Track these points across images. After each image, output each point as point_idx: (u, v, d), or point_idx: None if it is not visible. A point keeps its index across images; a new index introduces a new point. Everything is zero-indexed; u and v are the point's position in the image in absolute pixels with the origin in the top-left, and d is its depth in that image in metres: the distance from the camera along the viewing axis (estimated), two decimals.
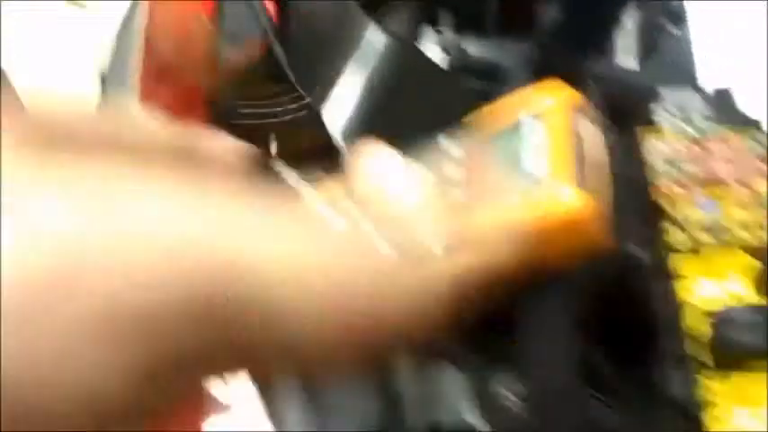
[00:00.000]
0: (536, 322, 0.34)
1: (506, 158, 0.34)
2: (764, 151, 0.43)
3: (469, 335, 0.37)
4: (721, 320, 0.36)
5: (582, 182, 0.32)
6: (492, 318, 0.37)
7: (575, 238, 0.32)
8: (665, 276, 0.40)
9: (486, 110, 0.37)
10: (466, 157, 0.35)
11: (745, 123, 0.45)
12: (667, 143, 0.43)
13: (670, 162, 0.43)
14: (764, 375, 0.36)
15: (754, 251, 0.39)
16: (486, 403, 0.36)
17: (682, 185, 0.42)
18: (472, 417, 0.36)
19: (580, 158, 0.33)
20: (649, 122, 0.45)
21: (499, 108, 0.37)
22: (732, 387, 0.36)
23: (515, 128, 0.35)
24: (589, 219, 0.32)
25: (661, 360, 0.38)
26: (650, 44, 0.56)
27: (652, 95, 0.46)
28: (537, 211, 0.32)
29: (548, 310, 0.34)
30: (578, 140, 0.34)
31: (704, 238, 0.40)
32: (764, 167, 0.42)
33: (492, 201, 0.33)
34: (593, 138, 0.35)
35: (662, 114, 0.46)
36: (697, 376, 0.36)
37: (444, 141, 0.36)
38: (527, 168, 0.33)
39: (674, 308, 0.38)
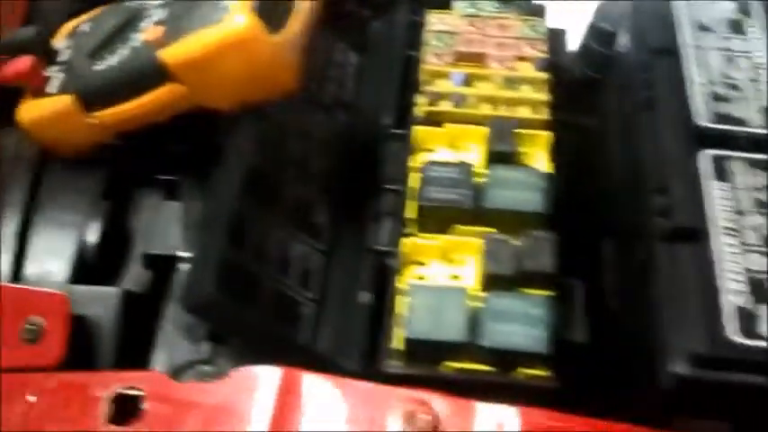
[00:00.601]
0: (226, 153, 0.36)
1: None
2: (538, 38, 0.44)
3: (184, 164, 0.40)
4: (426, 175, 0.38)
5: (266, 14, 0.34)
6: (200, 146, 0.39)
7: (247, 65, 0.34)
8: (402, 143, 0.41)
9: None
10: None
11: (530, 11, 0.45)
12: (447, 22, 0.44)
13: (442, 39, 0.44)
14: (467, 238, 0.37)
15: (491, 123, 0.40)
16: (191, 229, 0.38)
17: (445, 61, 0.43)
18: (180, 245, 0.38)
19: None
20: (445, 5, 0.46)
21: None
22: (438, 246, 0.37)
23: None
24: (259, 46, 0.33)
25: (377, 216, 0.40)
26: None
27: None
28: (214, 37, 0.34)
29: (236, 143, 0.36)
30: None
31: (450, 110, 0.41)
32: (533, 53, 0.43)
33: (189, 31, 0.35)
34: None
35: None
36: (404, 232, 0.38)
37: None
38: (223, 1, 0.35)
39: (401, 170, 0.40)
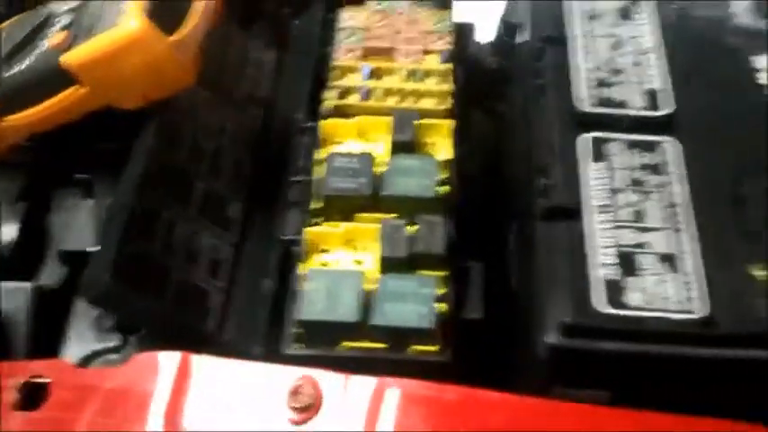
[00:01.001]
0: (133, 150, 0.38)
1: None
2: (444, 31, 0.45)
3: (99, 163, 0.41)
4: (329, 166, 0.39)
5: (159, 16, 0.36)
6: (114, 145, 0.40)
7: (141, 64, 0.36)
8: (313, 136, 0.42)
9: None
10: None
11: (440, 6, 0.47)
12: (358, 19, 0.46)
13: (353, 35, 0.45)
14: (368, 225, 0.39)
15: (393, 115, 0.42)
16: (100, 224, 0.40)
17: (355, 56, 0.44)
18: (91, 242, 0.40)
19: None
20: (359, 1, 0.48)
21: None
22: (341, 234, 0.39)
23: None
24: (151, 46, 0.35)
25: (286, 206, 0.41)
26: None
27: None
28: (109, 40, 0.36)
29: (141, 139, 0.38)
30: None
31: (356, 103, 0.43)
32: (439, 46, 0.45)
33: (90, 35, 0.37)
34: None
35: None
36: (312, 221, 0.39)
37: None
38: (122, 4, 0.37)
39: (310, 163, 0.41)
